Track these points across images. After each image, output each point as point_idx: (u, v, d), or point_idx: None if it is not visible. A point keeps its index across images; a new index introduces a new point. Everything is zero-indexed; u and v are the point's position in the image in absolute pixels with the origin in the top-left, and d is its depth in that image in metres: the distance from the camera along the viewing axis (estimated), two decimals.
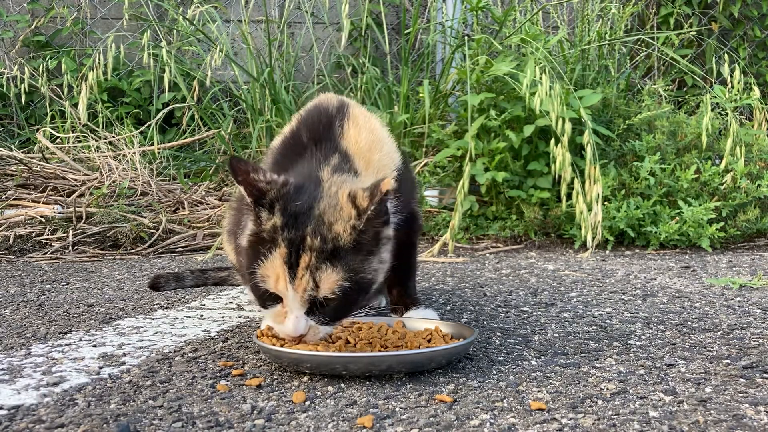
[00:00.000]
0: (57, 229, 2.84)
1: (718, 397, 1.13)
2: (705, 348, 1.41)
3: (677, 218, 2.71)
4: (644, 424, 1.02)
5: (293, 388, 1.17)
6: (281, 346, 1.24)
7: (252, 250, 1.20)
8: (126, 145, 3.41)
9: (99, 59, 3.19)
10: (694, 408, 1.08)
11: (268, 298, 1.20)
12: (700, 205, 2.72)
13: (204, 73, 3.39)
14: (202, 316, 1.73)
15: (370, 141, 1.37)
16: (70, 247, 2.75)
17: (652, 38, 3.74)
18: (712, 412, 1.07)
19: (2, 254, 2.69)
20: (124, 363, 1.33)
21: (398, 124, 3.16)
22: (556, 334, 1.52)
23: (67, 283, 2.20)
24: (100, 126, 3.55)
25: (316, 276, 1.14)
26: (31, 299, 1.96)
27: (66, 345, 1.46)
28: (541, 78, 2.41)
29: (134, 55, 3.94)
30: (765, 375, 1.24)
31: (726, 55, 4.04)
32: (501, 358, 1.34)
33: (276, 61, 3.57)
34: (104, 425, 1.02)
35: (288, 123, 1.51)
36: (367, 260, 1.19)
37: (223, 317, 1.71)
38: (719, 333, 1.53)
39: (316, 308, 1.18)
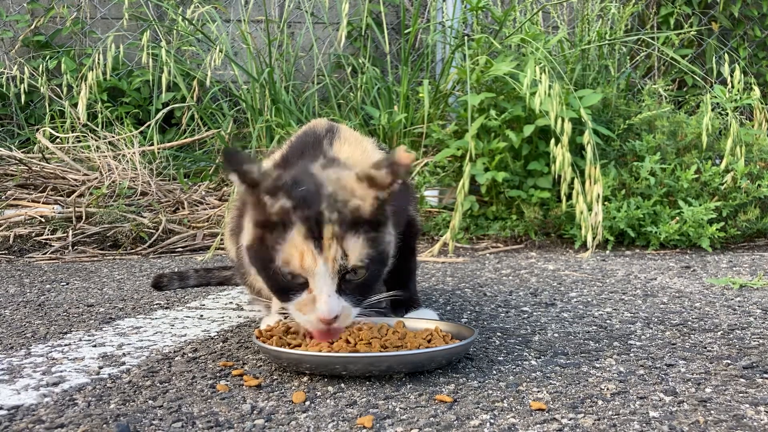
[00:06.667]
0: (57, 229, 2.84)
1: (719, 397, 1.13)
2: (705, 348, 1.41)
3: (677, 218, 2.71)
4: (644, 424, 1.02)
5: (293, 388, 1.17)
6: (295, 347, 1.24)
7: (262, 241, 1.16)
8: (126, 145, 3.41)
9: (99, 59, 3.19)
10: (694, 408, 1.08)
11: (290, 287, 1.15)
12: (700, 205, 2.72)
13: (204, 73, 3.39)
14: (202, 316, 1.73)
15: (364, 158, 1.36)
16: (70, 247, 2.75)
17: (652, 38, 3.73)
18: (712, 412, 1.07)
19: (2, 254, 2.69)
20: (124, 363, 1.33)
21: (396, 123, 3.16)
22: (556, 334, 1.52)
23: (67, 283, 2.20)
24: (100, 126, 3.55)
25: (343, 244, 1.12)
26: (31, 299, 1.95)
27: (66, 345, 1.46)
28: (541, 78, 2.41)
29: (134, 55, 3.93)
30: (765, 375, 1.24)
31: (726, 55, 4.04)
32: (501, 358, 1.34)
33: (276, 61, 3.57)
34: (104, 425, 1.02)
35: (278, 148, 1.51)
36: (382, 231, 1.19)
37: (223, 317, 1.71)
38: (719, 333, 1.53)
39: (344, 284, 1.15)
